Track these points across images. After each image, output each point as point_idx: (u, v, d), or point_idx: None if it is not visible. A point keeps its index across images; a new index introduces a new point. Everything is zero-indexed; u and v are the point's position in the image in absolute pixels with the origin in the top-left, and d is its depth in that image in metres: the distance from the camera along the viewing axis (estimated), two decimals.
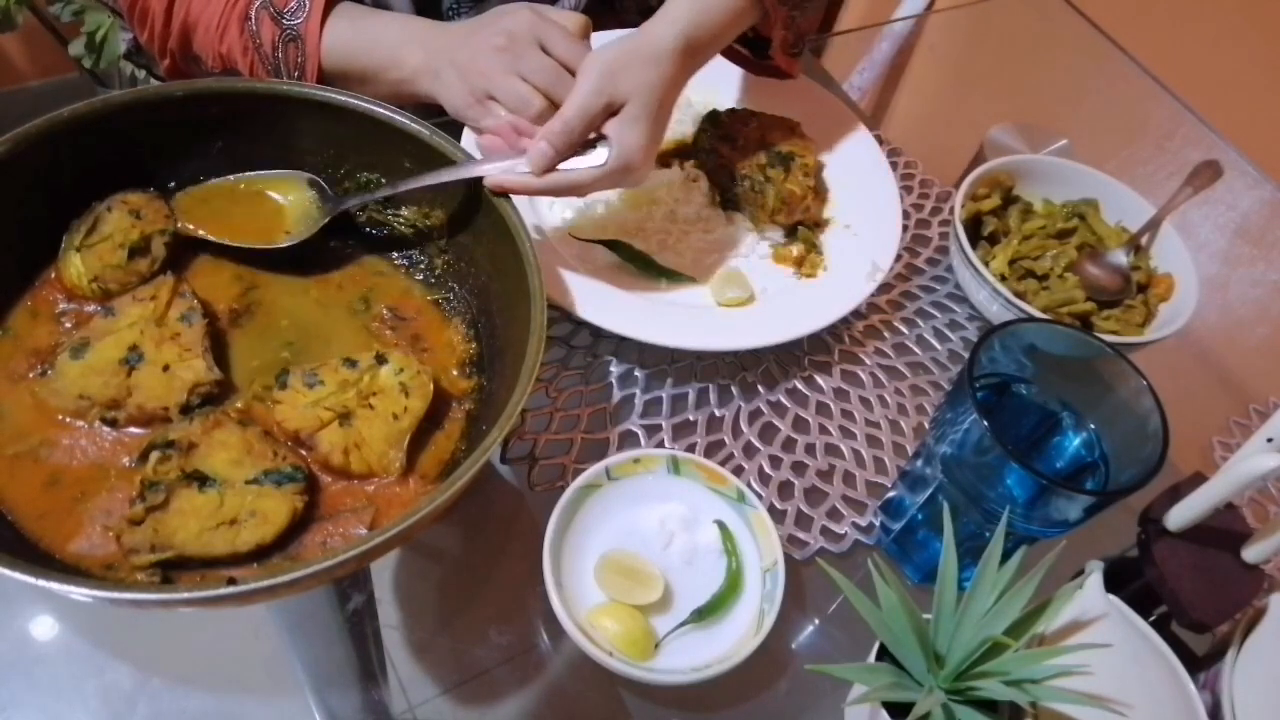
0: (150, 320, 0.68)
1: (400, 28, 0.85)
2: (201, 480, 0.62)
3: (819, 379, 0.86)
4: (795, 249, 0.89)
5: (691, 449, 0.79)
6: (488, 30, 0.80)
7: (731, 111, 0.94)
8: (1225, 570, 0.68)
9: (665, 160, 0.94)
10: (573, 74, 0.78)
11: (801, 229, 0.90)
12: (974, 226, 0.94)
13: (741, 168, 0.89)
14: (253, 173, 0.77)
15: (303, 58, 0.84)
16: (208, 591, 0.54)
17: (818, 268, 0.88)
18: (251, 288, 0.74)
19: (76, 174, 0.70)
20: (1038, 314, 0.84)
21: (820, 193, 0.93)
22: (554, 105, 0.78)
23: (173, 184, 0.75)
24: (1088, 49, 1.33)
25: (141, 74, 1.61)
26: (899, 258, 0.93)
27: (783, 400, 0.84)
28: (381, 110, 0.73)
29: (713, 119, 0.93)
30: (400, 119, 0.72)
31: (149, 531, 0.59)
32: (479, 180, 0.71)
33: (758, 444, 0.81)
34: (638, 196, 0.90)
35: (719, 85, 1.00)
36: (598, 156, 0.74)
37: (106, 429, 0.65)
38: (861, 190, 0.94)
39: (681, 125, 0.96)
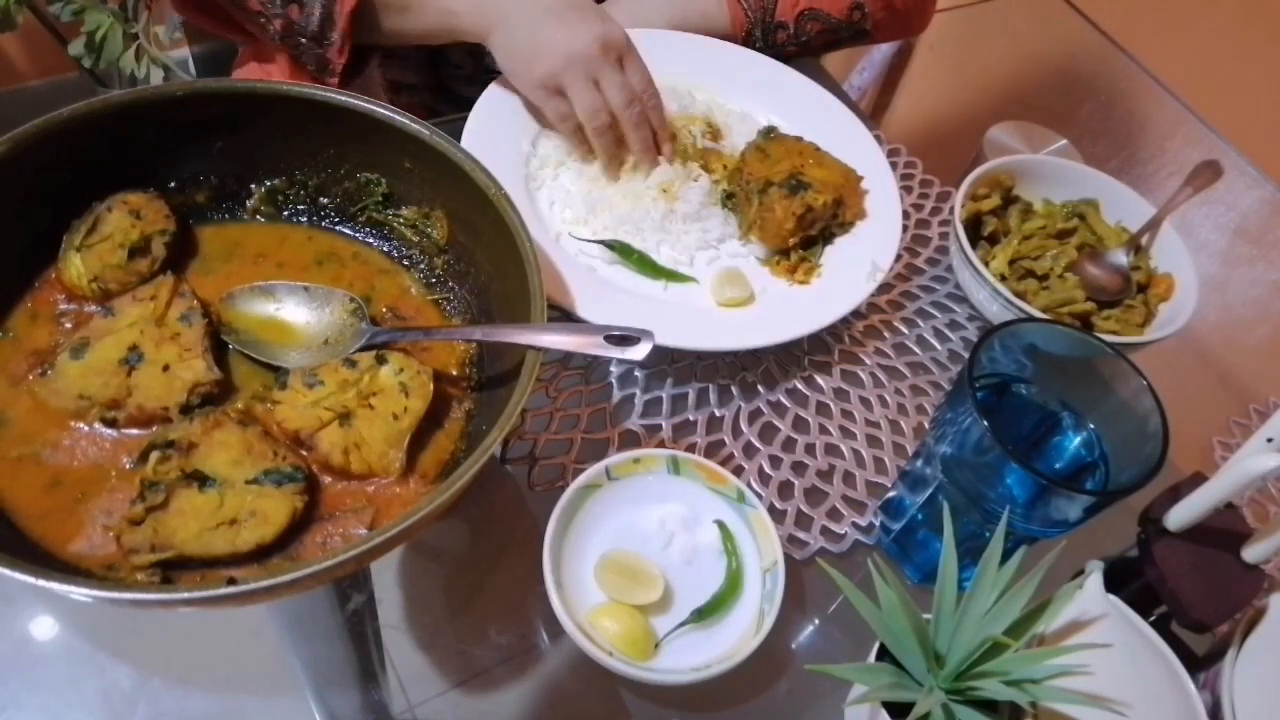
0: (150, 320, 0.68)
1: None
2: (201, 480, 0.62)
3: (819, 379, 0.86)
4: (787, 260, 0.89)
5: (691, 449, 0.79)
6: (584, 25, 0.83)
7: (798, 139, 0.93)
8: (1225, 570, 0.68)
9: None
10: (639, 106, 0.85)
11: (795, 252, 0.89)
12: (974, 226, 0.94)
13: (751, 176, 0.89)
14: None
15: None
16: (208, 591, 0.54)
17: (812, 274, 0.88)
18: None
19: (76, 174, 0.70)
20: (1038, 314, 0.84)
21: (820, 231, 0.90)
22: (614, 122, 0.85)
23: (173, 184, 0.75)
24: (1088, 49, 1.33)
25: (142, 74, 1.60)
26: (899, 258, 0.93)
27: (783, 400, 0.84)
28: (381, 110, 0.73)
29: (768, 133, 0.93)
30: (400, 119, 0.72)
31: (149, 531, 0.59)
32: (478, 181, 0.71)
33: (758, 444, 0.81)
34: (637, 193, 0.90)
35: (718, 84, 1.00)
36: (639, 351, 0.66)
37: (107, 430, 0.65)
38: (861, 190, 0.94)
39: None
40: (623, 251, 0.85)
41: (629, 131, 0.88)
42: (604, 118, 0.86)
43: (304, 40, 0.88)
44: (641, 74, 0.88)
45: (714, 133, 0.97)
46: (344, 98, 0.73)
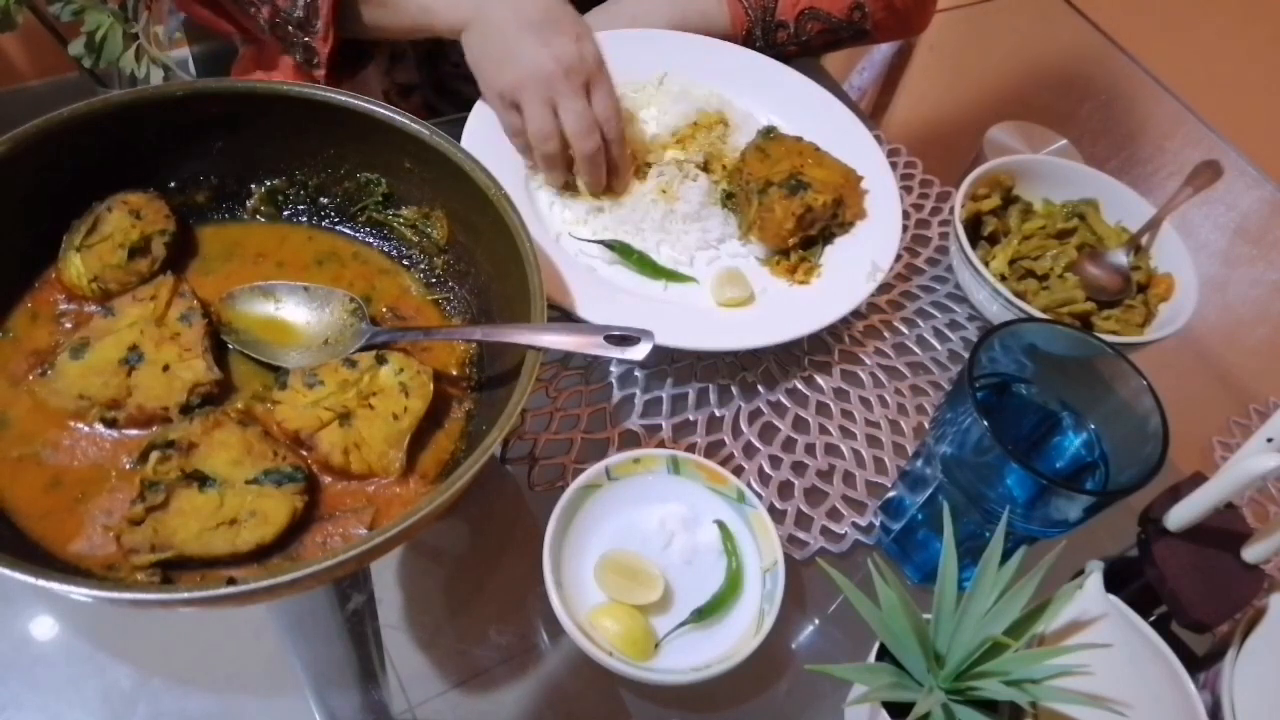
0: (150, 320, 0.68)
1: None
2: (201, 480, 0.62)
3: (819, 379, 0.86)
4: (787, 260, 0.89)
5: (691, 449, 0.79)
6: (556, 42, 0.81)
7: (797, 139, 0.93)
8: (1225, 570, 0.68)
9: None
10: (601, 133, 0.83)
11: (795, 252, 0.89)
12: (974, 226, 0.94)
13: (751, 176, 0.89)
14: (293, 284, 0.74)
15: None
16: (208, 591, 0.54)
17: (812, 274, 0.88)
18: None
19: (76, 174, 0.70)
20: (1038, 314, 0.84)
21: (819, 231, 0.90)
22: (564, 148, 0.83)
23: (173, 184, 0.75)
24: (1088, 49, 1.33)
25: (142, 74, 1.60)
26: (899, 258, 0.93)
27: (783, 400, 0.84)
28: (381, 110, 0.73)
29: (768, 133, 0.93)
30: (400, 119, 0.72)
31: (149, 531, 0.59)
32: (478, 181, 0.71)
33: (758, 444, 0.81)
34: (637, 193, 0.90)
35: (718, 84, 1.00)
36: (639, 351, 0.66)
37: (107, 430, 0.65)
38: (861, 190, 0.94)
39: (676, 114, 0.96)
40: (623, 251, 0.85)
41: (579, 160, 0.85)
42: (553, 145, 0.83)
43: (290, 28, 0.88)
44: (607, 102, 0.85)
45: (724, 124, 0.97)
46: (344, 98, 0.73)
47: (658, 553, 0.70)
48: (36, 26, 1.68)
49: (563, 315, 0.79)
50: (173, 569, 0.60)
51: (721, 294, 0.85)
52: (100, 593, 0.52)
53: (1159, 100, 1.26)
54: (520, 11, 0.83)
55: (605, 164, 0.87)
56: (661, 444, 0.79)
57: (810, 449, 0.81)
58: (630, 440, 0.79)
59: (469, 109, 0.90)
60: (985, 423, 0.60)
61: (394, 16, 0.88)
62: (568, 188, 0.89)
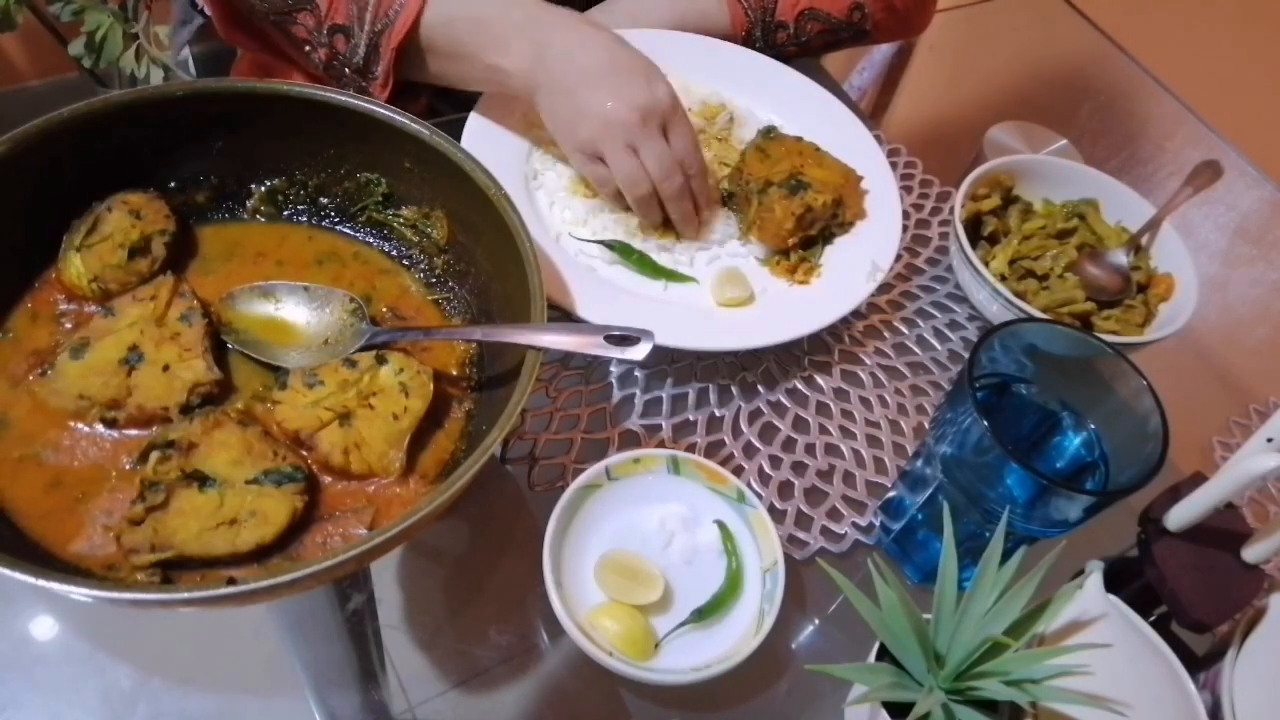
0: (150, 320, 0.68)
1: (514, 8, 0.83)
2: (201, 480, 0.62)
3: (819, 379, 0.86)
4: (787, 260, 0.89)
5: (691, 449, 0.79)
6: (628, 90, 0.81)
7: (797, 139, 0.93)
8: (1225, 570, 0.68)
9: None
10: (682, 170, 0.83)
11: (795, 252, 0.89)
12: (974, 226, 0.94)
13: (751, 176, 0.89)
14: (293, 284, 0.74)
15: (395, 11, 0.83)
16: (208, 591, 0.54)
17: (812, 274, 0.88)
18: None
19: (76, 174, 0.70)
20: (1038, 314, 0.84)
21: (819, 232, 0.90)
22: (655, 192, 0.83)
23: (173, 184, 0.75)
24: (1088, 49, 1.33)
25: (142, 74, 1.60)
26: (899, 258, 0.93)
27: (783, 400, 0.84)
28: (381, 110, 0.73)
29: (768, 133, 0.93)
30: (400, 119, 0.72)
31: (149, 531, 0.59)
32: (478, 181, 0.71)
33: (758, 444, 0.81)
34: None
35: (718, 84, 1.00)
36: (639, 351, 0.66)
37: (107, 430, 0.65)
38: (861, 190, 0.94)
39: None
40: (623, 251, 0.85)
41: (668, 201, 0.85)
42: (645, 188, 0.83)
43: (348, 72, 0.88)
44: (686, 140, 0.84)
45: (730, 117, 0.98)
46: (344, 97, 0.73)
47: (658, 553, 0.70)
48: (36, 26, 1.68)
49: (563, 315, 0.79)
50: (173, 569, 0.60)
51: (721, 294, 0.85)
52: (100, 593, 0.52)
53: (1159, 100, 1.26)
54: (585, 68, 0.81)
55: (692, 199, 0.87)
56: (661, 444, 0.79)
57: (810, 449, 0.81)
58: (630, 440, 0.79)
59: (469, 109, 0.91)
60: (985, 423, 0.60)
61: (465, 71, 0.86)
62: (666, 226, 0.89)
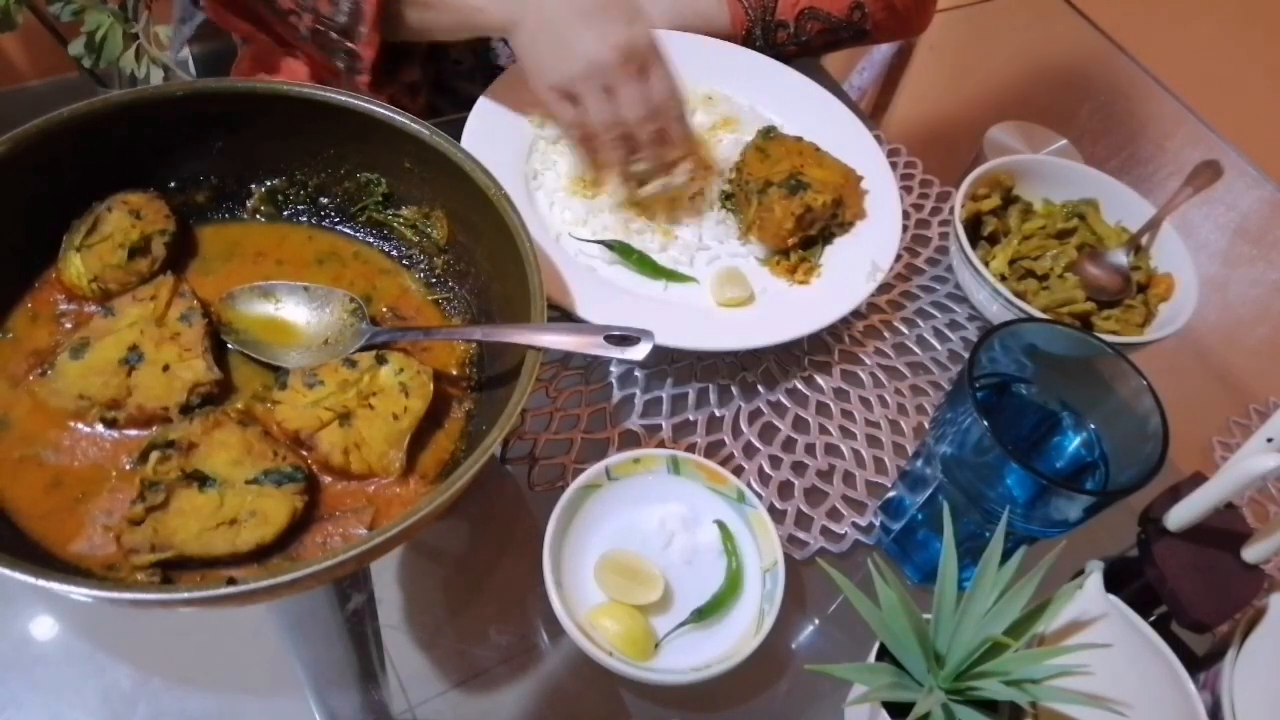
0: (150, 320, 0.68)
1: None
2: (201, 480, 0.62)
3: (819, 379, 0.86)
4: (787, 260, 0.89)
5: (691, 449, 0.79)
6: (610, 29, 0.79)
7: (797, 139, 0.93)
8: (1225, 570, 0.68)
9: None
10: (658, 121, 0.82)
11: (795, 252, 0.89)
12: (974, 226, 0.94)
13: (750, 176, 0.89)
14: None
15: None
16: (208, 591, 0.54)
17: (812, 274, 0.88)
18: None
19: (76, 174, 0.70)
20: (1038, 314, 0.84)
21: (818, 232, 0.90)
22: (628, 135, 0.82)
23: (173, 184, 0.75)
24: (1088, 49, 1.33)
25: (142, 74, 1.60)
26: (899, 258, 0.93)
27: (783, 400, 0.84)
28: (381, 110, 0.73)
29: (767, 133, 0.93)
30: (400, 119, 0.72)
31: (149, 531, 0.59)
32: (478, 181, 0.71)
33: (758, 444, 0.81)
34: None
35: (718, 84, 1.00)
36: (639, 351, 0.66)
37: (107, 430, 0.65)
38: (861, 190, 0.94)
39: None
40: (623, 251, 0.85)
41: (642, 147, 0.84)
42: (616, 130, 0.83)
43: (334, 35, 0.87)
44: (665, 84, 0.83)
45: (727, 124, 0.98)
46: (344, 97, 0.73)
47: (658, 553, 0.70)
48: (36, 26, 1.68)
49: (563, 315, 0.79)
50: (173, 569, 0.60)
51: (721, 294, 0.85)
52: (100, 593, 0.52)
53: (1159, 100, 1.26)
54: (567, 3, 0.81)
55: (668, 144, 0.85)
56: (661, 444, 0.79)
57: (810, 449, 0.81)
58: (630, 440, 0.79)
59: (469, 108, 0.91)
60: (985, 423, 0.60)
61: (441, 18, 0.86)
62: (626, 179, 0.87)
